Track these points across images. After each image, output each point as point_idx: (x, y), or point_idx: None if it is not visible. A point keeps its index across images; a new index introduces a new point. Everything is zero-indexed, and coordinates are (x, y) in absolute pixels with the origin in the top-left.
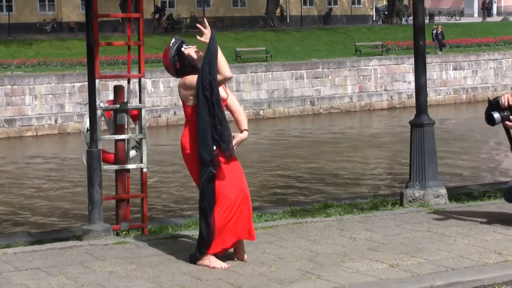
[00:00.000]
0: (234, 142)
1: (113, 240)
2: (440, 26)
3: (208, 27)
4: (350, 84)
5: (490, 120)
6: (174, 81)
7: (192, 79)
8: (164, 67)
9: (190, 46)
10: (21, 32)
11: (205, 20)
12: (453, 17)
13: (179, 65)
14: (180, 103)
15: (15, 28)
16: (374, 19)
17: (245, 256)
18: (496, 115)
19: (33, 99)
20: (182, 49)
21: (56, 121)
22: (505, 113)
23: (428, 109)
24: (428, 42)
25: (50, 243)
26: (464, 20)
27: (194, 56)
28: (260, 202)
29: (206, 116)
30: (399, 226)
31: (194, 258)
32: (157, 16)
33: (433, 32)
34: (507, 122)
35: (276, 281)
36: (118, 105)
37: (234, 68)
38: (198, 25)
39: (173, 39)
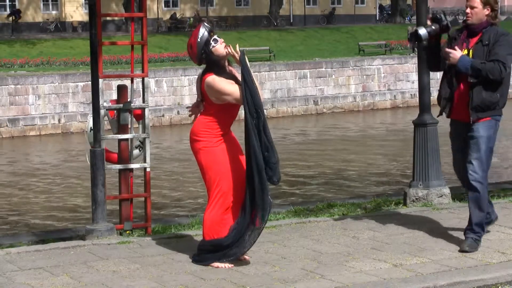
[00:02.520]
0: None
1: (117, 239)
2: (414, 27)
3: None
4: (353, 84)
5: (417, 38)
6: (178, 81)
7: (222, 85)
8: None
9: (218, 39)
10: (25, 31)
11: (237, 46)
12: (457, 16)
13: (205, 61)
14: (184, 102)
15: (19, 27)
16: (377, 18)
17: (246, 256)
18: (423, 31)
19: (37, 98)
20: (211, 46)
21: (59, 120)
22: (433, 27)
23: (432, 108)
24: (406, 42)
25: (54, 243)
26: None
27: (223, 53)
28: None
29: (259, 152)
30: (403, 225)
31: (198, 259)
32: (12, 18)
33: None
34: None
35: (280, 280)
36: (122, 105)
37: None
38: (229, 51)
39: (202, 28)
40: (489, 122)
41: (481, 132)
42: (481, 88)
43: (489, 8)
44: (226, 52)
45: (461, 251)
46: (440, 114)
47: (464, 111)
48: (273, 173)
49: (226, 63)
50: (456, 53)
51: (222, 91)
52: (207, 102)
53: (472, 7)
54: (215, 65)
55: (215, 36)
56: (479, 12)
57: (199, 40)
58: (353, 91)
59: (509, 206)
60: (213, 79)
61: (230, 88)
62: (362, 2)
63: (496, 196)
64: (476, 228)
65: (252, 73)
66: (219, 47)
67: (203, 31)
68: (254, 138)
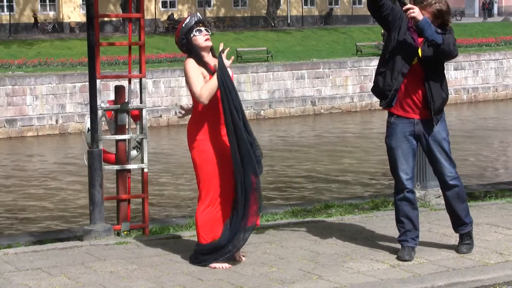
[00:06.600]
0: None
1: (114, 240)
2: None
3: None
4: (351, 84)
5: None
6: (175, 81)
7: (189, 69)
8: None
9: (203, 31)
10: (22, 32)
11: (221, 45)
12: (454, 17)
13: (185, 49)
14: (182, 103)
15: (16, 28)
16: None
17: (243, 257)
18: None
19: (34, 99)
20: (192, 35)
21: (57, 121)
22: None
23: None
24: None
25: (51, 243)
26: (465, 20)
27: (201, 45)
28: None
29: (245, 136)
30: None
31: (196, 261)
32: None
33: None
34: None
35: (277, 281)
36: (119, 105)
37: (235, 68)
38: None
39: (189, 17)
40: (443, 120)
41: (442, 133)
42: (439, 86)
43: (439, 21)
44: (205, 45)
45: (460, 252)
46: (388, 105)
47: (413, 108)
48: (258, 165)
49: (208, 56)
50: (416, 7)
51: (187, 74)
52: (192, 95)
53: None
54: (193, 54)
55: (201, 27)
56: None
57: (183, 25)
58: (350, 92)
59: (507, 207)
60: (188, 62)
61: (193, 75)
62: (360, 3)
63: (494, 196)
64: (467, 219)
65: (230, 74)
66: (200, 38)
67: (189, 19)
68: (243, 133)
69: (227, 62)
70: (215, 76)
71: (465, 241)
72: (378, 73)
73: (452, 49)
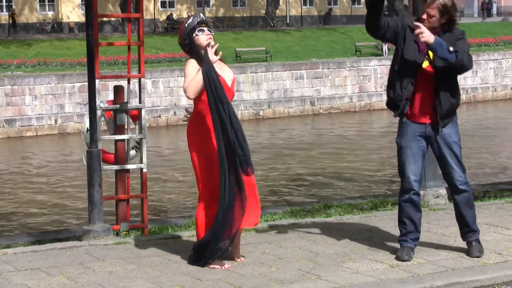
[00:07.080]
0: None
1: (113, 240)
2: None
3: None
4: (350, 84)
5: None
6: (174, 81)
7: (187, 68)
8: None
9: (205, 31)
10: (21, 32)
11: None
12: None
13: (188, 49)
14: (180, 103)
15: (15, 28)
16: None
17: (241, 257)
18: None
19: (33, 99)
20: (194, 35)
21: (56, 121)
22: None
23: None
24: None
25: (50, 244)
26: (464, 20)
27: (203, 44)
28: (260, 202)
29: (230, 131)
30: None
31: (194, 260)
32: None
33: None
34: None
35: (276, 281)
36: (118, 105)
37: (234, 68)
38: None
39: (192, 17)
40: (455, 124)
41: (453, 137)
42: (448, 91)
43: (446, 17)
44: (208, 45)
45: (473, 256)
46: (400, 114)
47: (424, 113)
48: (241, 164)
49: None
50: (426, 29)
51: (185, 72)
52: (197, 100)
53: (430, 16)
54: (195, 55)
55: (204, 28)
56: (436, 21)
57: (186, 25)
58: (349, 92)
59: (506, 207)
60: (188, 61)
61: (188, 72)
62: (359, 3)
63: (493, 197)
64: (475, 226)
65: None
66: (202, 37)
67: (193, 19)
68: (228, 128)
69: (213, 57)
70: (200, 71)
71: (475, 244)
72: (388, 85)
73: (466, 63)
